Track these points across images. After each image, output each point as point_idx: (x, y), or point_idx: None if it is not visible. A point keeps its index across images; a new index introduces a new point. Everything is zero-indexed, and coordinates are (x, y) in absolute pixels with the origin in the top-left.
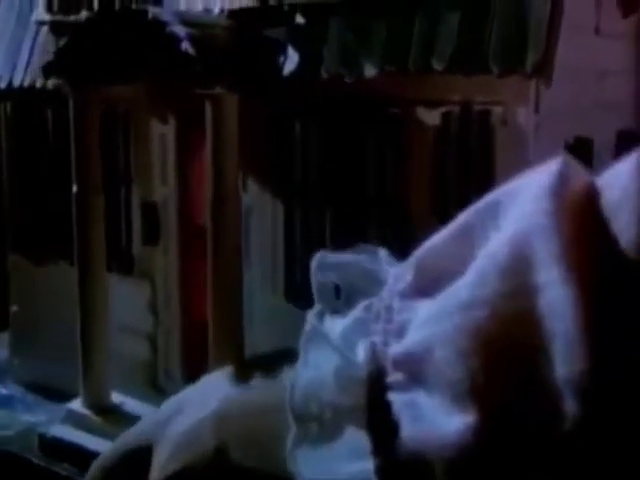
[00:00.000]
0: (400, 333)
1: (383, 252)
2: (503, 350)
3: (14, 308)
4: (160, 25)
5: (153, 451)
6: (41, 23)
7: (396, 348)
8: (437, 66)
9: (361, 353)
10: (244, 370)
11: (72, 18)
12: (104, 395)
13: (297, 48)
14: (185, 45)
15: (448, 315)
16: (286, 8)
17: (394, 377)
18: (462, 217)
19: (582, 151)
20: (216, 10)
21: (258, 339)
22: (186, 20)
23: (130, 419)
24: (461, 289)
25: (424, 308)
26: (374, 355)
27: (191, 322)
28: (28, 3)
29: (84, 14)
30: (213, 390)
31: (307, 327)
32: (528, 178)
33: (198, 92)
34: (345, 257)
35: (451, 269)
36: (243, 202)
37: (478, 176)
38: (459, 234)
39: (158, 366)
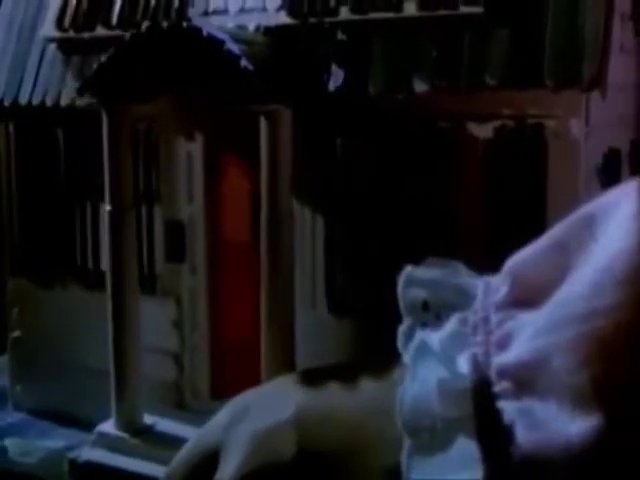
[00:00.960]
0: (502, 344)
1: (460, 265)
2: (626, 357)
3: (16, 334)
4: (216, 42)
5: (220, 454)
6: (50, 40)
7: (501, 358)
8: (490, 81)
9: (463, 365)
10: (313, 379)
11: (86, 35)
12: (137, 416)
13: (340, 65)
14: (244, 62)
15: (565, 326)
16: (327, 26)
17: (501, 386)
18: (555, 231)
19: (614, 161)
20: (251, 27)
21: (300, 352)
22: (233, 37)
23: (164, 439)
24: (575, 301)
25: (529, 319)
26: (477, 366)
27: (220, 340)
28: (30, 19)
29: (100, 31)
30: (283, 395)
31: (415, 342)
32: (617, 194)
33: (253, 109)
34: (432, 272)
35: (549, 280)
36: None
37: (531, 186)
38: (554, 247)
39: (184, 385)
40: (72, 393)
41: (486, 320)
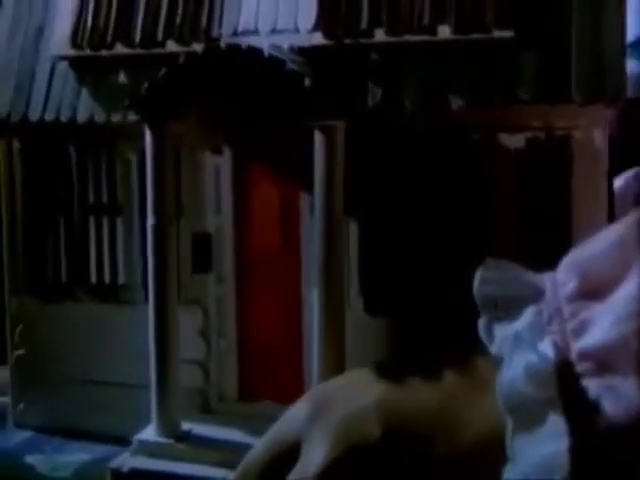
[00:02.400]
0: (579, 331)
1: (516, 265)
2: None
3: (19, 352)
4: (277, 63)
5: (302, 446)
6: (63, 58)
7: (580, 343)
8: (523, 97)
9: (546, 350)
10: (386, 370)
11: (104, 53)
12: (177, 423)
13: (376, 84)
14: (308, 81)
15: (629, 318)
16: (361, 47)
17: (583, 367)
18: (617, 230)
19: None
20: (285, 46)
21: None
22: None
23: (205, 442)
24: (637, 297)
25: (601, 309)
26: (558, 350)
27: (247, 344)
28: (33, 35)
29: (120, 49)
30: (361, 385)
31: (503, 333)
32: None
33: (310, 124)
34: (500, 271)
35: (612, 276)
36: (310, 224)
37: (559, 191)
38: (617, 246)
39: (210, 391)
40: (82, 407)
41: (559, 311)
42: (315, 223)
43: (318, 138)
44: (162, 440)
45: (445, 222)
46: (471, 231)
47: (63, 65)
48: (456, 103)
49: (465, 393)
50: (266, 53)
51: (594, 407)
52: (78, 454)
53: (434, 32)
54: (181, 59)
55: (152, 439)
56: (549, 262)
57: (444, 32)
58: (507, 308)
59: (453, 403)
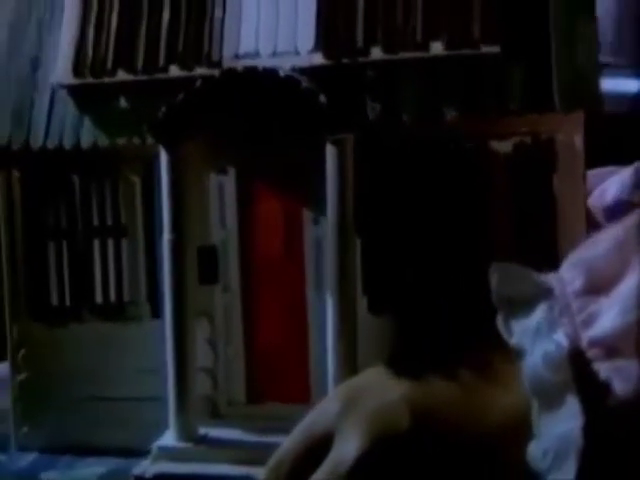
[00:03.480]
0: (588, 322)
1: (522, 267)
2: None
3: (22, 376)
4: (293, 82)
5: (335, 438)
6: (65, 87)
7: (589, 332)
8: (511, 106)
9: (559, 340)
10: (407, 366)
11: (106, 80)
12: (194, 428)
13: (374, 99)
14: (322, 98)
15: (633, 309)
16: (359, 65)
17: (592, 353)
18: (616, 232)
19: None
20: (286, 67)
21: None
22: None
23: (220, 444)
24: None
25: (606, 303)
26: (570, 340)
27: (254, 352)
28: (29, 62)
29: (122, 76)
30: (387, 381)
31: (529, 326)
32: None
33: (322, 138)
34: (513, 272)
35: (614, 273)
36: (314, 234)
37: (545, 190)
38: (617, 246)
39: (218, 397)
40: (89, 425)
41: (568, 306)
42: (328, 230)
43: (330, 151)
44: (182, 445)
45: (443, 223)
46: (467, 230)
47: (62, 93)
48: (450, 114)
49: (485, 383)
50: (282, 74)
51: (605, 388)
52: (92, 468)
53: (427, 48)
54: (198, 83)
55: (172, 445)
56: (537, 257)
57: (436, 48)
58: (521, 305)
59: (474, 393)
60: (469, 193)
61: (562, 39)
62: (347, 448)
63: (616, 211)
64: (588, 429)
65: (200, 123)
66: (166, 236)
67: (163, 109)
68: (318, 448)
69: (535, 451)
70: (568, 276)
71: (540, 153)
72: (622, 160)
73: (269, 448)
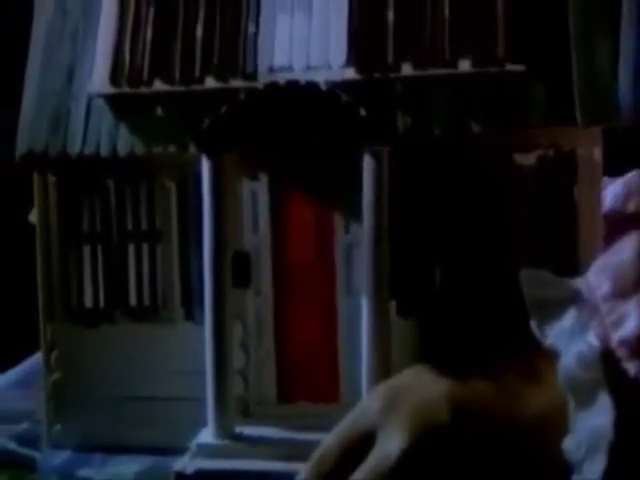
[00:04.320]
0: (617, 324)
1: (550, 273)
2: None
3: (55, 376)
4: (333, 95)
5: (377, 435)
6: (102, 96)
7: (618, 333)
8: (534, 121)
9: (591, 341)
10: (446, 366)
11: (144, 90)
12: (231, 426)
13: (404, 112)
14: (362, 111)
15: None
16: (390, 80)
17: (622, 352)
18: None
19: None
20: (320, 81)
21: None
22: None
23: (257, 441)
24: None
25: (634, 304)
26: (601, 341)
27: (285, 354)
28: (63, 74)
29: (159, 86)
30: (427, 379)
31: (564, 328)
32: None
33: (361, 149)
34: (543, 278)
35: (637, 280)
36: (345, 241)
37: (566, 200)
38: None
39: (249, 397)
40: (121, 424)
41: (597, 309)
42: (364, 237)
43: (367, 161)
44: (220, 442)
45: (470, 229)
46: (493, 236)
47: (98, 101)
48: (476, 128)
49: (521, 381)
50: (323, 87)
51: (634, 384)
52: (127, 465)
53: (455, 66)
54: (241, 95)
55: (211, 442)
56: (559, 262)
57: (464, 66)
58: (553, 309)
59: (511, 390)
60: (495, 202)
61: (581, 57)
62: (390, 444)
63: (610, 221)
64: (619, 424)
65: (240, 134)
66: (207, 241)
67: (207, 120)
68: (360, 445)
69: (570, 444)
70: (595, 281)
71: (562, 165)
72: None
73: (305, 445)
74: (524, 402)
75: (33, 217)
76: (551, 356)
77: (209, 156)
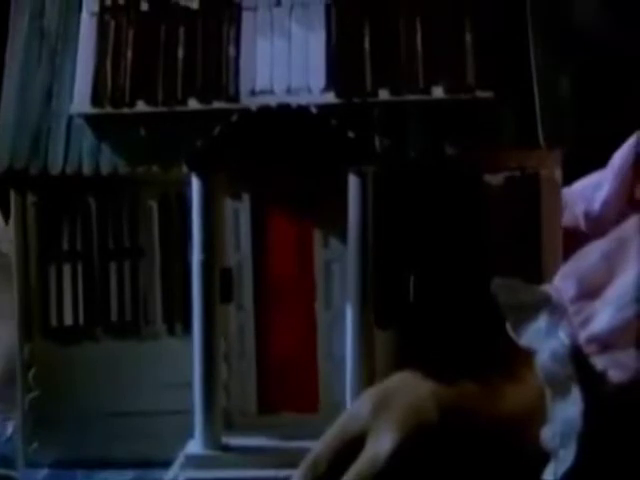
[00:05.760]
0: (584, 323)
1: (518, 280)
2: None
3: (33, 394)
4: (322, 118)
5: (368, 437)
6: (84, 116)
7: (586, 332)
8: (502, 144)
9: (562, 340)
10: (431, 370)
11: (126, 111)
12: (219, 437)
13: (382, 135)
14: (350, 133)
15: (627, 307)
16: (368, 105)
17: (590, 349)
18: (602, 245)
19: None
20: (300, 104)
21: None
22: None
23: (247, 451)
24: (630, 291)
25: (598, 306)
26: (570, 339)
27: (266, 366)
28: (44, 90)
29: (142, 107)
30: (413, 382)
31: (538, 328)
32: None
33: (347, 169)
34: (514, 285)
35: (603, 281)
36: (324, 256)
37: (531, 218)
38: (603, 257)
39: (232, 408)
40: (102, 439)
41: (566, 311)
42: (349, 251)
43: (353, 181)
44: (210, 452)
45: (444, 243)
46: (465, 249)
47: (79, 120)
48: (449, 150)
49: (501, 378)
50: (313, 110)
51: (602, 377)
52: (114, 478)
53: (429, 92)
54: (234, 117)
55: (200, 453)
56: (525, 271)
57: (437, 92)
58: (526, 312)
59: (492, 388)
60: (467, 219)
61: (543, 85)
62: (381, 444)
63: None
64: (589, 413)
65: (230, 154)
66: (196, 257)
67: (199, 141)
68: (352, 447)
69: (547, 433)
70: (562, 286)
71: (527, 185)
72: None
73: (292, 452)
74: (505, 399)
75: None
76: (528, 355)
77: (200, 176)
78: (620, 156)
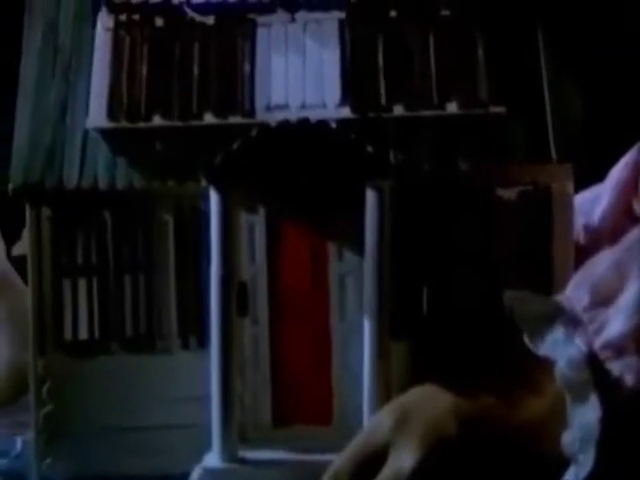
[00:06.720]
0: (598, 330)
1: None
2: None
3: (47, 409)
4: (342, 133)
5: (390, 450)
6: (99, 130)
7: (600, 339)
8: (515, 158)
9: (579, 347)
10: (449, 384)
11: (142, 125)
12: (235, 450)
13: (396, 150)
14: (369, 148)
15: (638, 313)
16: (382, 120)
17: (605, 355)
18: (613, 254)
19: None
20: (315, 119)
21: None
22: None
23: (263, 464)
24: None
25: (611, 313)
26: (586, 346)
27: (281, 379)
28: (57, 107)
29: (158, 121)
30: (433, 397)
31: (556, 338)
32: None
33: (365, 184)
34: (527, 297)
35: (613, 289)
36: (338, 269)
37: (543, 231)
38: (614, 266)
39: (246, 421)
40: (117, 453)
41: (580, 319)
42: (367, 265)
43: (370, 195)
44: (227, 466)
45: (458, 255)
46: (479, 261)
47: (94, 135)
48: (463, 165)
49: (519, 390)
50: (333, 125)
51: (618, 382)
52: None
53: (443, 108)
54: (254, 132)
55: (217, 466)
56: (536, 282)
57: (451, 108)
58: (542, 323)
59: (511, 398)
60: (479, 232)
61: (554, 100)
62: (403, 459)
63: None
64: (606, 418)
65: (250, 168)
66: (215, 272)
67: (219, 155)
68: (373, 462)
69: (567, 438)
70: (575, 295)
71: (539, 199)
72: None
73: (309, 465)
74: (523, 408)
75: (18, 250)
76: (546, 364)
77: (219, 190)
78: (618, 169)
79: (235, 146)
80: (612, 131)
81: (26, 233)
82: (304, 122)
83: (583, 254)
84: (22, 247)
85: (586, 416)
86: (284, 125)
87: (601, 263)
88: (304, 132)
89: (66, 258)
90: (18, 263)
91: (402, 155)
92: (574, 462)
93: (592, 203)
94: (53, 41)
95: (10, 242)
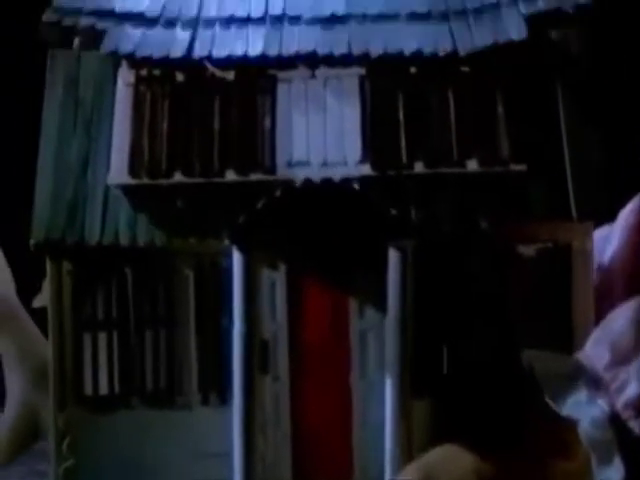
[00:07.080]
0: (620, 389)
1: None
2: None
3: (68, 464)
4: (365, 194)
5: None
6: (121, 187)
7: (622, 398)
8: (534, 216)
9: (602, 406)
10: (468, 443)
11: (163, 182)
12: None
13: (417, 207)
14: (392, 210)
15: None
16: (403, 177)
17: (627, 414)
18: (629, 311)
19: None
20: (336, 177)
21: None
22: None
23: None
24: None
25: (632, 371)
26: (609, 406)
27: (301, 435)
28: (78, 164)
29: (179, 177)
30: (455, 456)
31: (579, 399)
32: None
33: (388, 243)
34: (548, 356)
35: (632, 346)
36: (359, 326)
37: (563, 289)
38: (632, 323)
39: (268, 478)
40: None
41: (601, 378)
42: (390, 324)
43: (393, 254)
44: None
45: (478, 311)
46: (498, 318)
47: (115, 191)
48: (484, 224)
49: (542, 450)
50: (356, 187)
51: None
52: None
53: (463, 165)
54: (278, 192)
55: None
56: (556, 339)
57: (472, 165)
58: (564, 383)
59: (534, 459)
60: (500, 289)
61: (574, 157)
62: None
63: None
64: (629, 478)
65: (271, 227)
66: (237, 329)
67: (243, 215)
68: None
69: None
70: (595, 353)
71: (559, 257)
72: None
73: None
74: (549, 469)
75: (39, 302)
76: (569, 424)
77: (242, 250)
78: (625, 216)
79: (259, 206)
80: (634, 182)
81: (46, 285)
82: (327, 182)
83: (595, 293)
84: (42, 299)
85: (611, 477)
86: (307, 185)
87: (619, 319)
88: (326, 191)
89: (87, 313)
90: (39, 315)
91: (423, 213)
92: None
93: (604, 242)
94: (74, 95)
95: (29, 293)
